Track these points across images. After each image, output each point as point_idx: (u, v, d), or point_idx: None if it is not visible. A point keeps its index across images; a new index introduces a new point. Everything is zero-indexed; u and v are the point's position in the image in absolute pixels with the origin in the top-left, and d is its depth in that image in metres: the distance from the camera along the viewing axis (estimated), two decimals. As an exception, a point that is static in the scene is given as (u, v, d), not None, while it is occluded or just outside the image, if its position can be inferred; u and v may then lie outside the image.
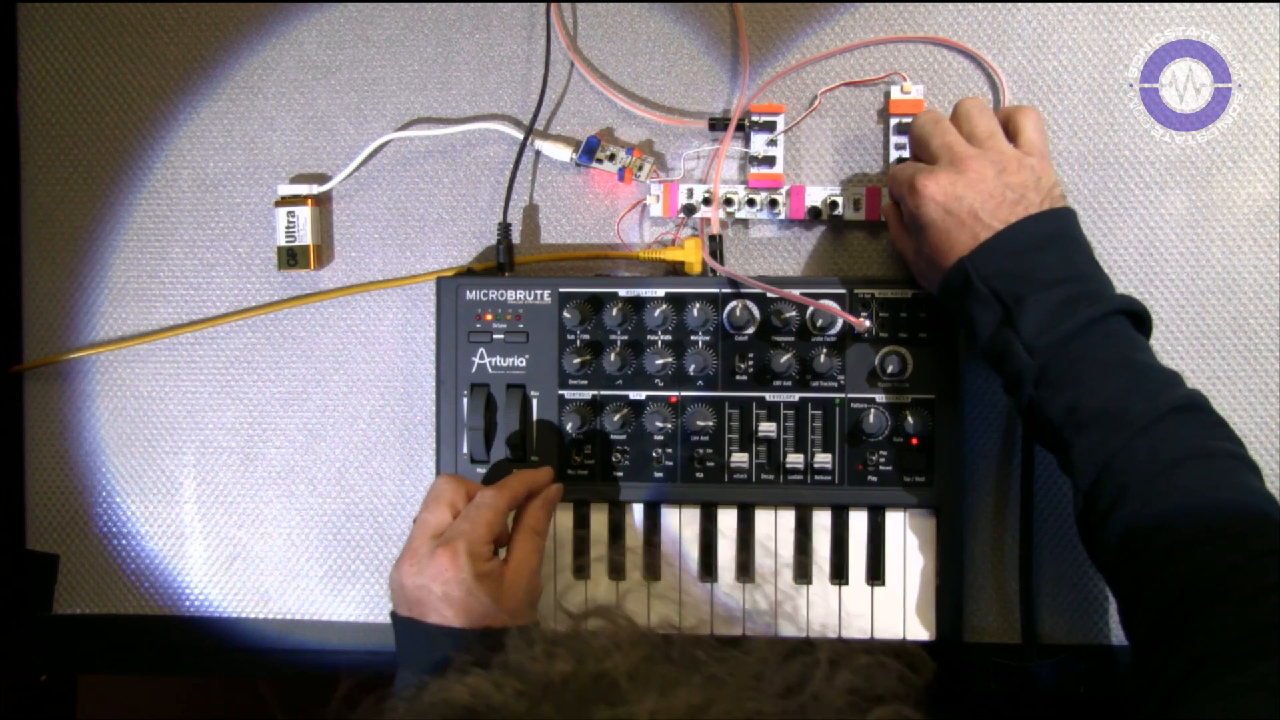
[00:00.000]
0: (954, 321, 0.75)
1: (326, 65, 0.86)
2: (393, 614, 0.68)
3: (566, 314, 0.78)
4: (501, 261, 0.82)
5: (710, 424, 0.78)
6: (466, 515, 0.69)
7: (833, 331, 0.77)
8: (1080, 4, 0.81)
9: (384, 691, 0.46)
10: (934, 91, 0.82)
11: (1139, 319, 0.67)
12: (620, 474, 0.79)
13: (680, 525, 0.79)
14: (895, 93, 0.81)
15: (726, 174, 0.82)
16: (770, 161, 0.81)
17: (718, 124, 0.82)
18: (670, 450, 0.79)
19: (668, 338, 0.79)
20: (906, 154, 0.80)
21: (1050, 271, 0.66)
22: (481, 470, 0.80)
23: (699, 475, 0.78)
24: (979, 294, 0.67)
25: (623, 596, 0.80)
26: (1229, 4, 0.80)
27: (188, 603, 0.87)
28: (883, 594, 0.78)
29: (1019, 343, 0.66)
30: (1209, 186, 0.80)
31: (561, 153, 0.83)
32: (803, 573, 0.79)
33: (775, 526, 0.79)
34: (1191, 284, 0.80)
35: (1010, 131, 0.72)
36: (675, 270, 0.82)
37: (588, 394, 0.79)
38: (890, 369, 0.76)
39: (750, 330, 0.78)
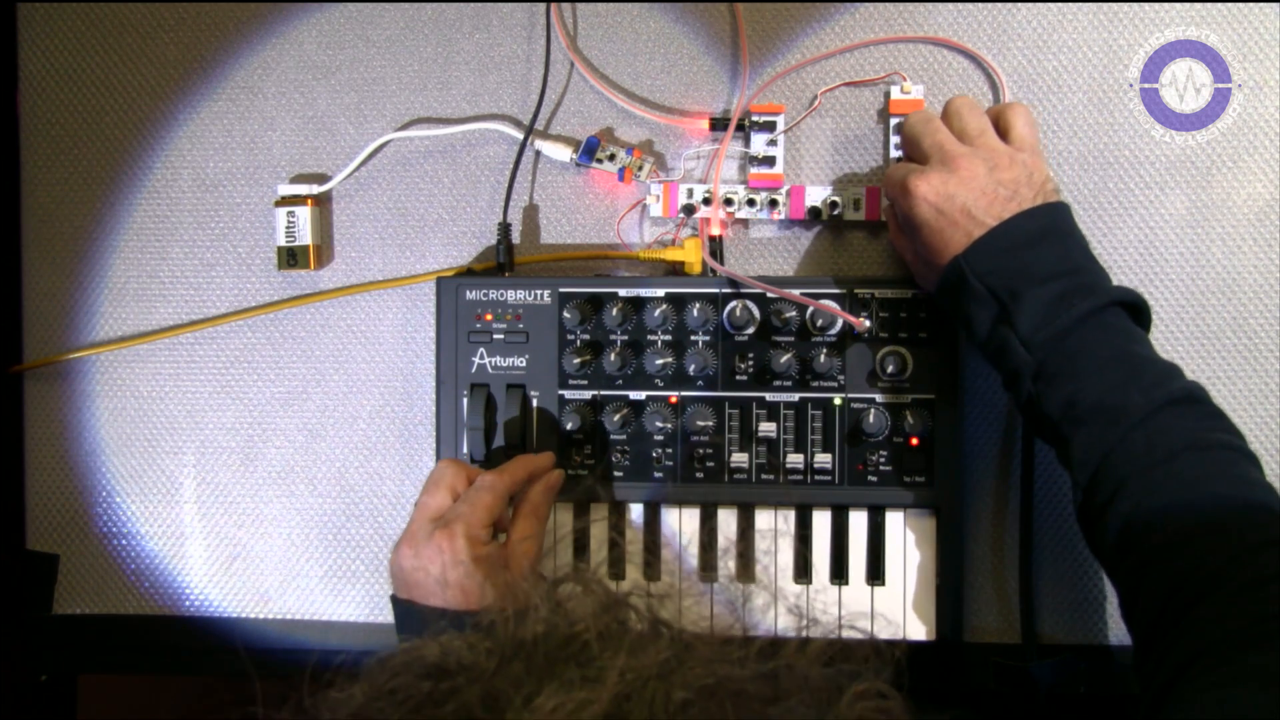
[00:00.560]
0: (953, 321, 0.75)
1: (326, 65, 0.86)
2: (392, 597, 0.69)
3: (566, 314, 0.78)
4: (501, 261, 0.82)
5: (710, 424, 0.78)
6: (466, 498, 0.69)
7: (833, 331, 0.77)
8: (1080, 4, 0.81)
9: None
10: (934, 91, 0.82)
11: (1137, 310, 0.67)
12: (620, 474, 0.79)
13: (680, 525, 0.79)
14: (895, 93, 0.81)
15: (726, 174, 0.82)
16: (770, 161, 0.81)
17: (718, 124, 0.82)
18: (670, 450, 0.79)
19: (668, 338, 0.79)
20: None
21: (1044, 266, 0.66)
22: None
23: (699, 475, 0.78)
24: (974, 291, 0.67)
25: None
26: (1229, 4, 0.80)
27: (188, 603, 0.87)
28: (883, 594, 0.78)
29: (1016, 339, 0.66)
30: (1209, 186, 0.80)
31: (561, 153, 0.83)
32: (803, 572, 0.79)
33: (775, 526, 0.79)
34: (1191, 284, 0.80)
35: (1001, 128, 0.72)
36: (675, 270, 0.82)
37: (588, 394, 0.79)
38: (890, 369, 0.76)
39: (750, 330, 0.78)
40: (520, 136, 0.83)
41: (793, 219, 0.82)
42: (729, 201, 0.81)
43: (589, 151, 0.83)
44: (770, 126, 0.81)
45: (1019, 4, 0.81)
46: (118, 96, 0.87)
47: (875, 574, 0.78)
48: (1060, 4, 0.81)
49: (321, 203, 0.86)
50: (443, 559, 0.65)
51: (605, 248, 0.84)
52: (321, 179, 0.85)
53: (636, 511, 0.80)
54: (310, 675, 0.43)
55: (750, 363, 0.78)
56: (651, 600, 0.46)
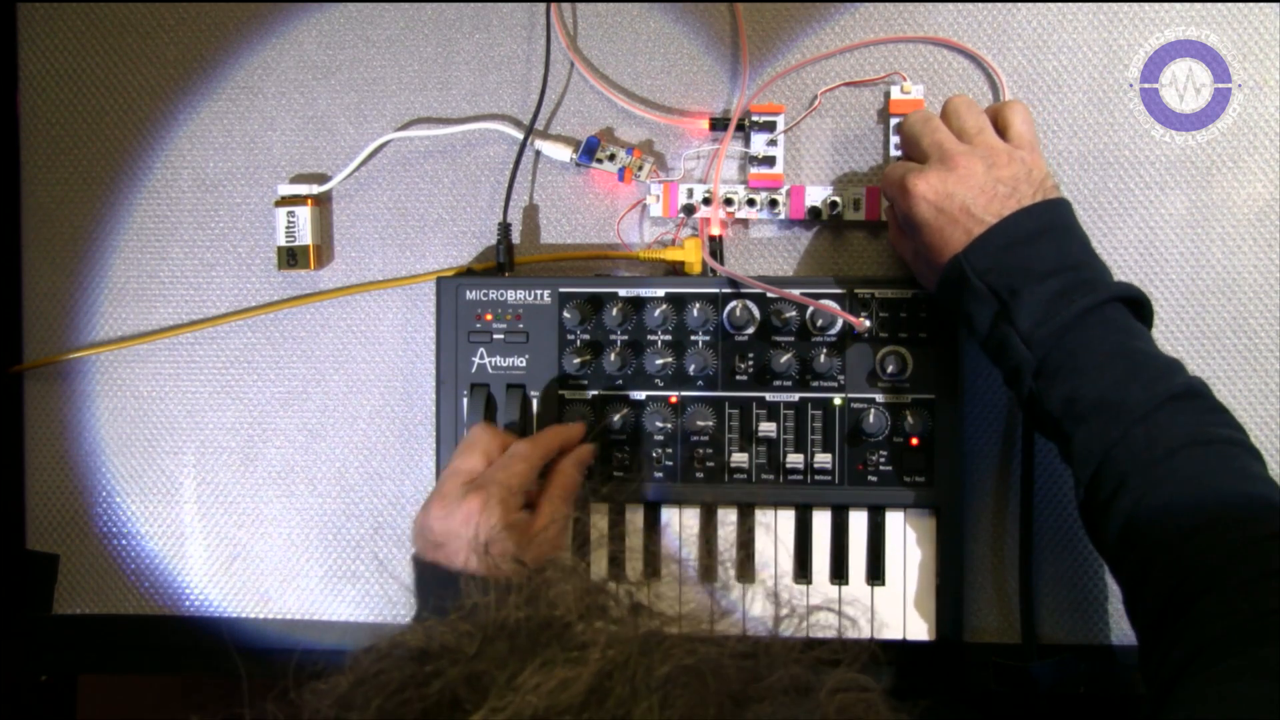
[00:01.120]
0: (953, 320, 0.75)
1: (326, 65, 0.86)
2: (414, 557, 0.68)
3: (566, 314, 0.78)
4: (501, 261, 0.82)
5: (710, 424, 0.78)
6: (500, 465, 0.69)
7: (833, 331, 0.77)
8: (1080, 4, 0.81)
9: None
10: (934, 91, 0.82)
11: (1138, 305, 0.67)
12: (620, 474, 0.79)
13: (680, 525, 0.79)
14: (895, 93, 0.81)
15: (726, 174, 0.82)
16: (770, 161, 0.81)
17: (718, 124, 0.82)
18: (670, 450, 0.79)
19: (668, 338, 0.79)
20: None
21: (1044, 263, 0.66)
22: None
23: (699, 475, 0.78)
24: (974, 289, 0.67)
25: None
26: (1229, 4, 0.80)
27: (188, 603, 0.87)
28: (882, 594, 0.78)
29: (1016, 336, 0.66)
30: (1209, 186, 0.80)
31: (561, 153, 0.83)
32: (803, 572, 0.79)
33: (775, 526, 0.79)
34: (1191, 284, 0.80)
35: (999, 126, 0.72)
36: (675, 270, 0.82)
37: (588, 394, 0.79)
38: (890, 369, 0.76)
39: (750, 330, 0.78)
40: (520, 136, 0.83)
41: (793, 219, 0.82)
42: (729, 201, 0.81)
43: (589, 151, 0.83)
44: (770, 126, 0.81)
45: (1019, 4, 0.81)
46: (118, 96, 0.87)
47: (875, 574, 0.78)
48: (1060, 4, 0.81)
49: (321, 203, 0.86)
50: (474, 522, 0.65)
51: (605, 248, 0.84)
52: (321, 179, 0.85)
53: (636, 511, 0.80)
54: (295, 668, 0.44)
55: (750, 363, 0.78)
56: (631, 586, 0.46)
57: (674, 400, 0.79)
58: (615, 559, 0.79)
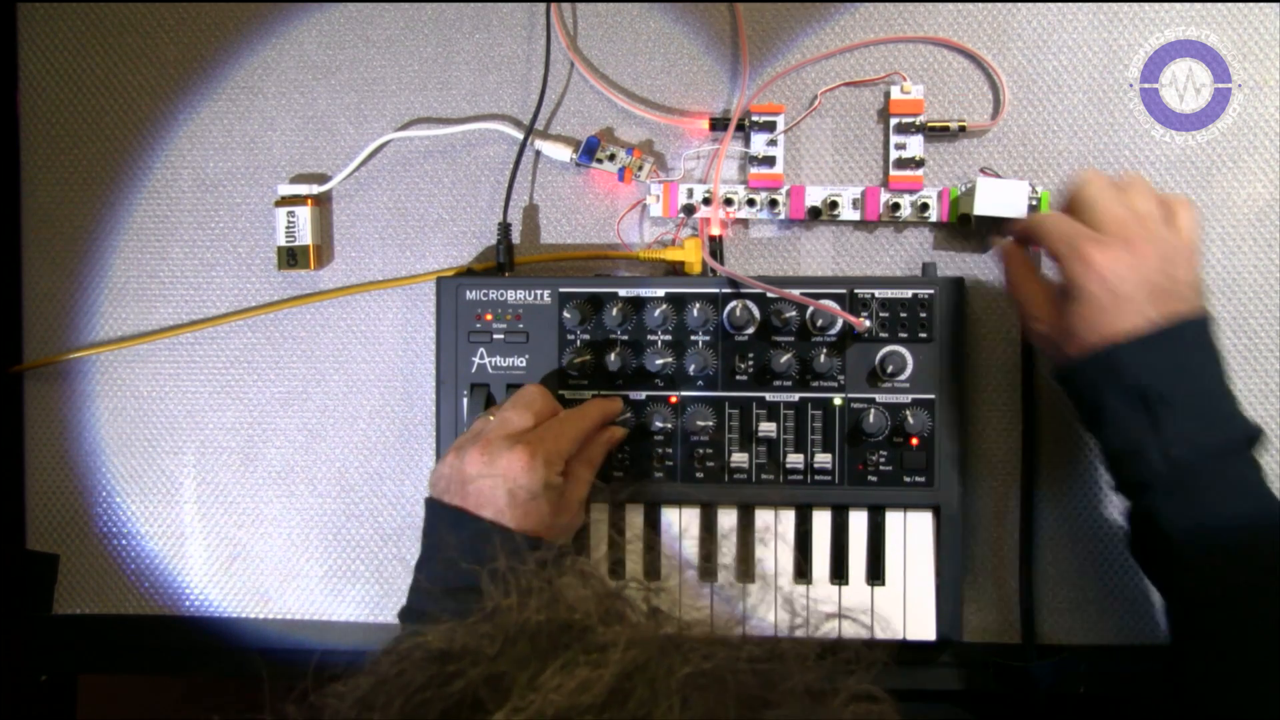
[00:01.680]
0: (1071, 400, 0.71)
1: (326, 65, 0.86)
2: (432, 500, 0.69)
3: (566, 314, 0.78)
4: (501, 261, 0.82)
5: (710, 424, 0.78)
6: (551, 426, 0.71)
7: (833, 331, 0.77)
8: (1080, 4, 0.81)
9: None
10: (934, 91, 0.82)
11: (1260, 443, 0.67)
12: (620, 474, 0.79)
13: (680, 525, 0.79)
14: (895, 93, 0.81)
15: (726, 174, 0.82)
16: (770, 161, 0.81)
17: (718, 124, 0.82)
18: (670, 450, 0.79)
19: (668, 338, 0.79)
20: (907, 154, 0.80)
21: (1200, 382, 0.65)
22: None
23: (699, 475, 0.78)
24: (1125, 387, 0.65)
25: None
26: (1229, 4, 0.80)
27: (188, 603, 0.87)
28: (882, 594, 0.78)
29: (1156, 448, 0.64)
30: (1209, 186, 0.80)
31: (561, 153, 0.83)
32: (803, 573, 0.79)
33: (775, 526, 0.79)
34: (1191, 284, 0.80)
35: (1166, 218, 0.69)
36: (675, 270, 0.82)
37: (588, 394, 0.79)
38: (890, 369, 0.76)
39: (750, 330, 0.78)
40: (520, 136, 0.83)
41: (793, 219, 0.82)
42: (729, 201, 0.81)
43: (589, 151, 0.83)
44: (770, 126, 0.81)
45: (1019, 4, 0.81)
46: (118, 96, 0.87)
47: (875, 574, 0.78)
48: (1060, 4, 0.81)
49: (321, 203, 0.86)
50: (517, 476, 0.66)
51: (605, 248, 0.84)
52: (321, 179, 0.85)
53: (636, 511, 0.80)
54: (314, 670, 0.44)
55: (750, 363, 0.78)
56: (648, 591, 0.46)
57: (674, 400, 0.79)
58: (616, 559, 0.79)
